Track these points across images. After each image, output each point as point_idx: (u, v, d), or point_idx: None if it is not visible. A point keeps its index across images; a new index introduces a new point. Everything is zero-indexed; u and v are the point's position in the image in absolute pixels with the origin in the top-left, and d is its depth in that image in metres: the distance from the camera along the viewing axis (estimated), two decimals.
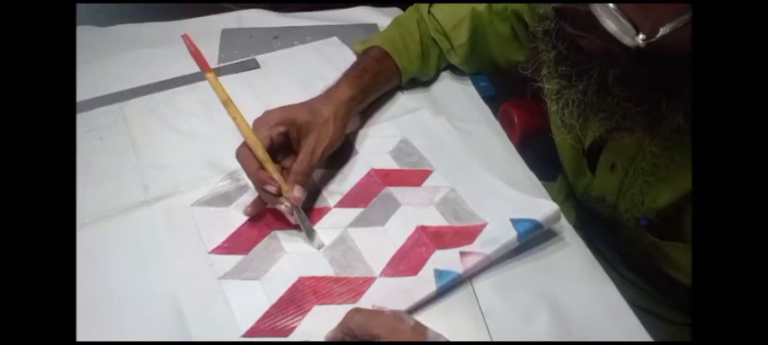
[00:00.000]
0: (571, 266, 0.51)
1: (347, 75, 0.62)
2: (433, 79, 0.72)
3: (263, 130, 0.52)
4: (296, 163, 0.52)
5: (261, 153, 0.51)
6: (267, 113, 0.54)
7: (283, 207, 0.51)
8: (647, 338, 0.47)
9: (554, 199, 0.54)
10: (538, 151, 0.70)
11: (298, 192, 0.50)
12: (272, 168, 0.51)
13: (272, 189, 0.50)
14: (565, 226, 0.54)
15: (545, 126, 0.78)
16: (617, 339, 0.46)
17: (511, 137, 0.65)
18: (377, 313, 0.43)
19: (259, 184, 0.51)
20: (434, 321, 0.43)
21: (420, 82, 0.71)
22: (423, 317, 0.44)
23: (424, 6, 0.71)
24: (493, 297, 0.48)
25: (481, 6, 0.68)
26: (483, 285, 0.48)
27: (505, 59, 0.69)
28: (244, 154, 0.52)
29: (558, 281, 0.49)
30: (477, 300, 0.47)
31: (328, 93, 0.59)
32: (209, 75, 0.51)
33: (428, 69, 0.71)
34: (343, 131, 0.58)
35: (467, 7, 0.68)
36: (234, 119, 0.51)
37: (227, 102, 0.51)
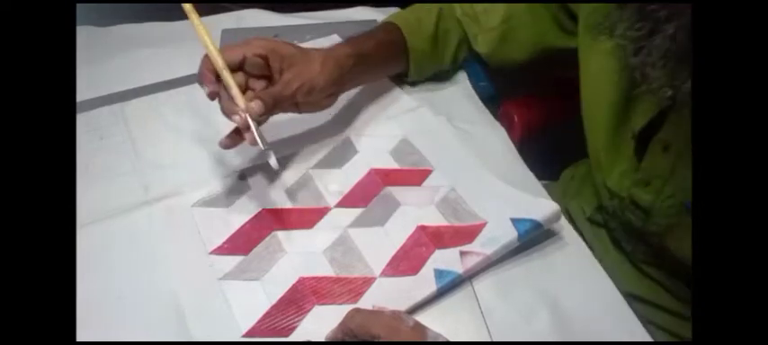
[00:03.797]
0: (571, 266, 0.51)
1: (348, 38, 0.61)
2: (447, 73, 0.69)
3: (238, 48, 0.51)
4: (269, 87, 0.51)
5: (220, 63, 0.49)
6: (253, 37, 0.53)
7: (237, 117, 0.49)
8: (647, 338, 0.47)
9: (557, 199, 0.54)
10: (538, 151, 0.70)
11: (256, 105, 0.48)
12: (228, 76, 0.49)
13: (208, 89, 0.49)
14: (564, 226, 0.54)
15: (545, 126, 0.78)
16: (617, 339, 0.46)
17: (511, 137, 0.65)
18: (377, 313, 0.43)
19: (201, 83, 0.50)
20: (434, 321, 0.43)
21: (432, 74, 0.68)
22: (423, 317, 0.44)
23: None
24: (493, 297, 0.48)
25: None
26: (483, 285, 0.48)
27: (542, 47, 0.64)
28: (204, 64, 0.50)
29: (558, 281, 0.49)
30: (477, 300, 0.47)
31: (324, 48, 0.57)
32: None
33: (442, 56, 0.67)
34: (328, 81, 0.55)
35: None
36: (196, 27, 0.51)
37: (191, 11, 0.51)
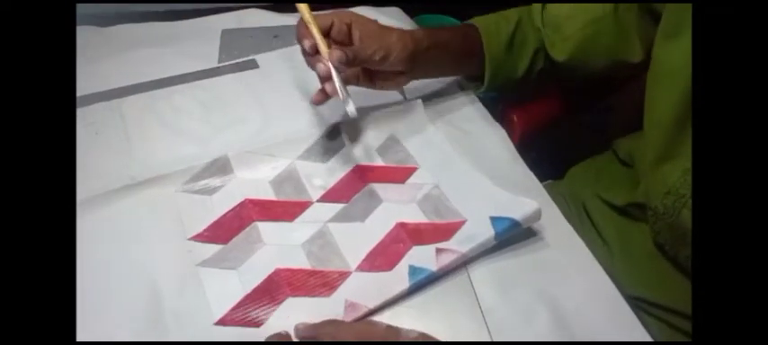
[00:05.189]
0: (571, 266, 0.51)
1: (425, 28, 0.63)
2: (525, 79, 0.69)
3: (328, 16, 0.58)
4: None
5: (308, 16, 0.56)
6: (341, 10, 0.59)
7: (321, 66, 0.54)
8: (647, 338, 0.47)
9: (562, 197, 0.53)
10: (538, 151, 0.70)
11: (338, 53, 0.53)
12: (316, 31, 0.55)
13: (307, 43, 0.55)
14: (565, 226, 0.54)
15: (545, 126, 0.78)
16: (617, 339, 0.46)
17: (511, 137, 0.65)
18: (348, 324, 0.44)
19: (299, 40, 0.57)
20: (435, 321, 0.43)
21: (507, 84, 0.68)
22: (423, 317, 0.45)
23: (541, 4, 0.68)
24: (493, 297, 0.48)
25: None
26: (483, 285, 0.48)
27: (621, 57, 0.64)
28: (299, 26, 0.57)
29: (558, 281, 0.49)
30: (478, 300, 0.47)
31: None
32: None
33: (516, 64, 0.67)
34: (402, 53, 0.58)
35: (594, 5, 0.64)
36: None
37: None
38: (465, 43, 0.65)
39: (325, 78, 0.55)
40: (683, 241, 0.55)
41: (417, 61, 0.60)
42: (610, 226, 0.63)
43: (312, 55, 0.56)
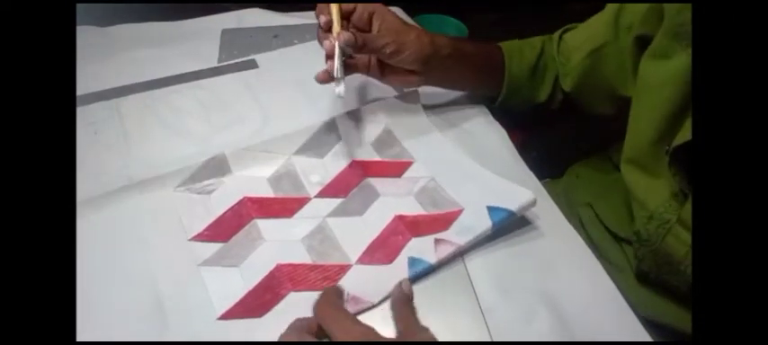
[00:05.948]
0: (571, 266, 0.51)
1: (449, 36, 0.63)
2: (547, 106, 0.68)
3: (355, 3, 0.58)
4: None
5: None
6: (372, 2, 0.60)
7: (327, 42, 0.55)
8: (647, 338, 0.46)
9: (560, 196, 0.53)
10: (538, 151, 0.70)
11: (346, 34, 0.54)
12: (335, 9, 0.56)
13: (322, 18, 0.56)
14: (565, 226, 0.54)
15: (545, 125, 0.78)
16: (617, 338, 0.46)
17: (511, 137, 0.65)
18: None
19: (317, 15, 0.57)
20: (434, 320, 0.43)
21: (524, 105, 0.68)
22: (422, 317, 0.44)
23: (561, 29, 0.69)
24: (493, 297, 0.47)
25: (608, 26, 0.62)
26: (483, 284, 0.48)
27: (618, 90, 0.63)
28: (320, 4, 0.58)
29: (558, 281, 0.49)
30: (478, 300, 0.47)
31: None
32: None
33: (538, 89, 0.67)
34: (417, 52, 0.58)
35: (597, 33, 0.63)
36: None
37: None
38: (488, 60, 0.65)
39: (330, 56, 0.55)
40: (667, 269, 0.53)
41: (432, 65, 0.60)
42: (603, 242, 0.63)
43: (325, 30, 0.56)
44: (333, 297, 0.45)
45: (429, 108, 0.66)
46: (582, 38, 0.66)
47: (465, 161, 0.58)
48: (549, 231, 0.52)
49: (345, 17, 0.58)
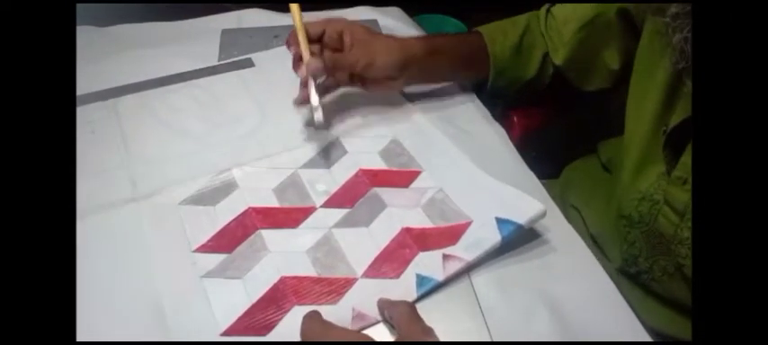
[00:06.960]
0: (571, 266, 0.51)
1: (422, 36, 0.64)
2: (537, 82, 0.69)
3: (321, 24, 0.60)
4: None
5: (298, 23, 0.58)
6: (335, 17, 0.61)
7: (301, 72, 0.56)
8: (646, 338, 0.46)
9: (558, 196, 0.53)
10: (538, 151, 0.70)
11: (315, 62, 0.56)
12: (302, 38, 0.57)
13: (293, 49, 0.58)
14: (565, 226, 0.54)
15: (544, 125, 0.78)
16: (617, 339, 0.46)
17: (511, 137, 0.65)
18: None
19: (288, 47, 0.60)
20: (435, 321, 0.43)
21: (517, 85, 0.69)
22: (423, 317, 0.44)
23: (547, 5, 0.69)
24: (493, 297, 0.47)
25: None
26: (483, 285, 0.48)
27: (606, 62, 0.65)
28: (291, 33, 0.59)
29: (558, 281, 0.49)
30: (478, 300, 0.47)
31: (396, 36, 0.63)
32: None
33: (525, 67, 0.67)
34: (389, 61, 0.60)
35: (585, 7, 0.65)
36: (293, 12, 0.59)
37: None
38: (468, 49, 0.65)
39: (305, 83, 0.58)
40: (659, 250, 0.54)
41: (408, 68, 0.61)
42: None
43: (297, 60, 0.58)
44: (316, 315, 0.44)
45: (430, 109, 0.66)
46: (572, 10, 0.66)
47: (473, 169, 0.57)
48: (550, 231, 0.52)
49: (317, 40, 0.59)
